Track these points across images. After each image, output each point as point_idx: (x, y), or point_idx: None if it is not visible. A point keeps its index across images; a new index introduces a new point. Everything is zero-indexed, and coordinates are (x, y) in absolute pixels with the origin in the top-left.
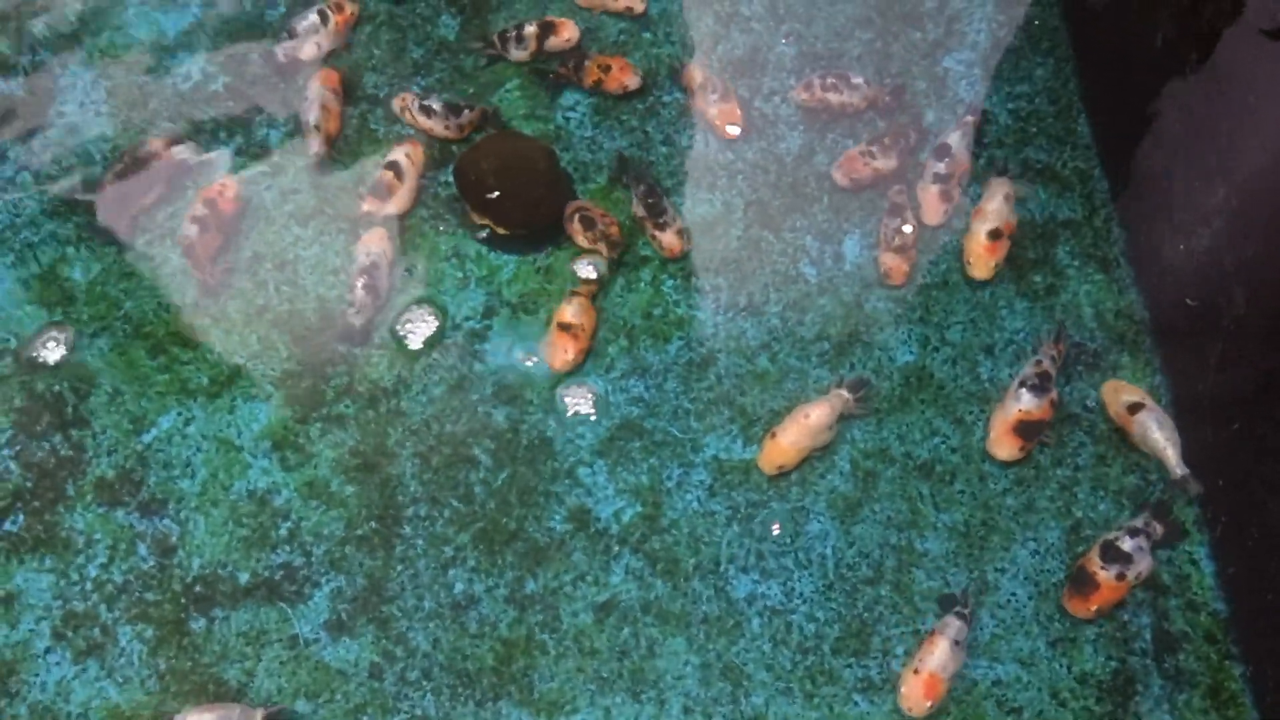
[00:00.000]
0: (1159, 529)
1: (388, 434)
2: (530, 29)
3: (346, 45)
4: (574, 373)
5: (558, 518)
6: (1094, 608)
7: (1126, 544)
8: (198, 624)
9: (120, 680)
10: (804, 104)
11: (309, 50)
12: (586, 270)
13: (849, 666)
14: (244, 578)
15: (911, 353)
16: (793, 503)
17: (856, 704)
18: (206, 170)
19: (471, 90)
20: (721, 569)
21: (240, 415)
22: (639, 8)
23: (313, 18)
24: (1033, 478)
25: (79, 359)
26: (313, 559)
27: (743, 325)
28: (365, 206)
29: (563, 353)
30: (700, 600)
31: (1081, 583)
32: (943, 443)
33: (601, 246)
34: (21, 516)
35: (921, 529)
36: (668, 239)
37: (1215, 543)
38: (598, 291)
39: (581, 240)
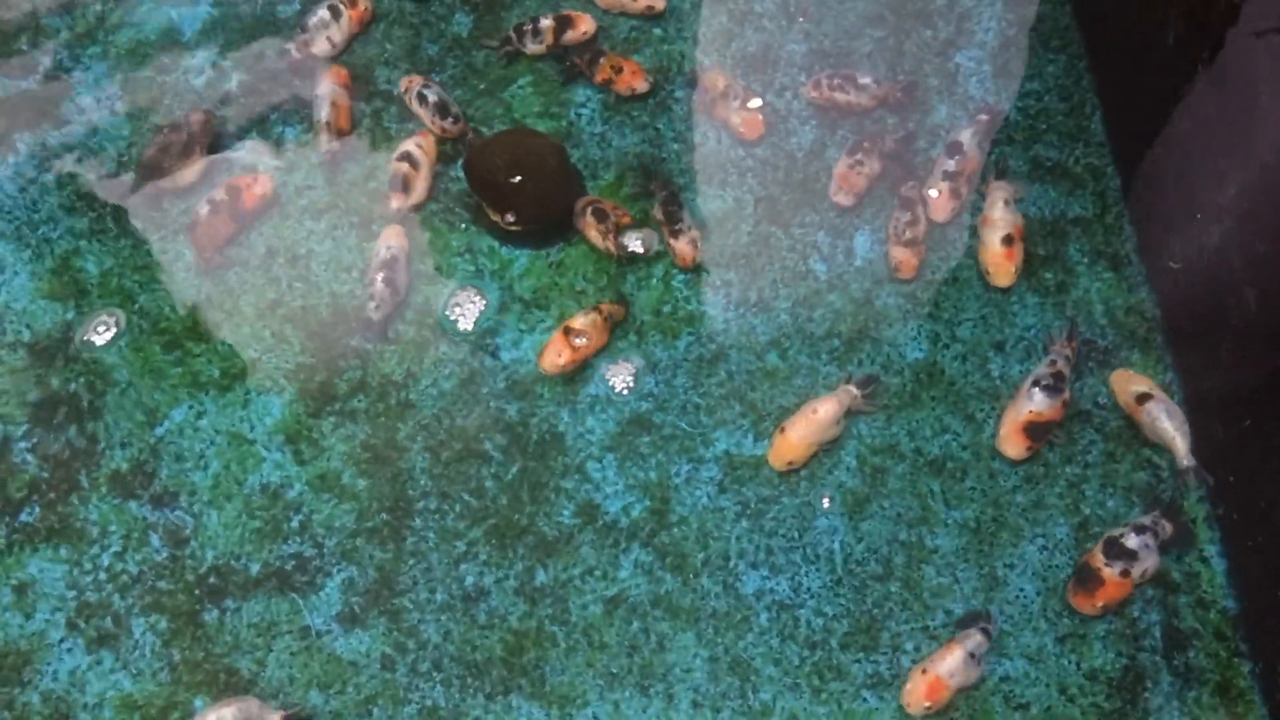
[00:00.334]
0: (1168, 528)
1: (399, 428)
2: (547, 23)
3: (357, 41)
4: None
5: (567, 512)
6: (1099, 604)
7: (1131, 541)
8: (210, 615)
9: (133, 670)
10: (814, 101)
11: (321, 45)
12: (635, 244)
13: (857, 662)
14: (256, 569)
15: (921, 349)
16: (802, 498)
17: (865, 700)
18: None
19: (482, 86)
20: (730, 564)
21: (253, 409)
22: (660, 6)
23: (323, 13)
24: (1042, 475)
25: (93, 352)
26: (324, 551)
27: (753, 321)
28: (394, 204)
29: (555, 356)
30: (709, 595)
31: (1086, 579)
32: (953, 439)
33: (613, 240)
34: (37, 508)
35: (931, 525)
36: (681, 246)
37: (1225, 540)
38: (623, 319)
39: (593, 234)
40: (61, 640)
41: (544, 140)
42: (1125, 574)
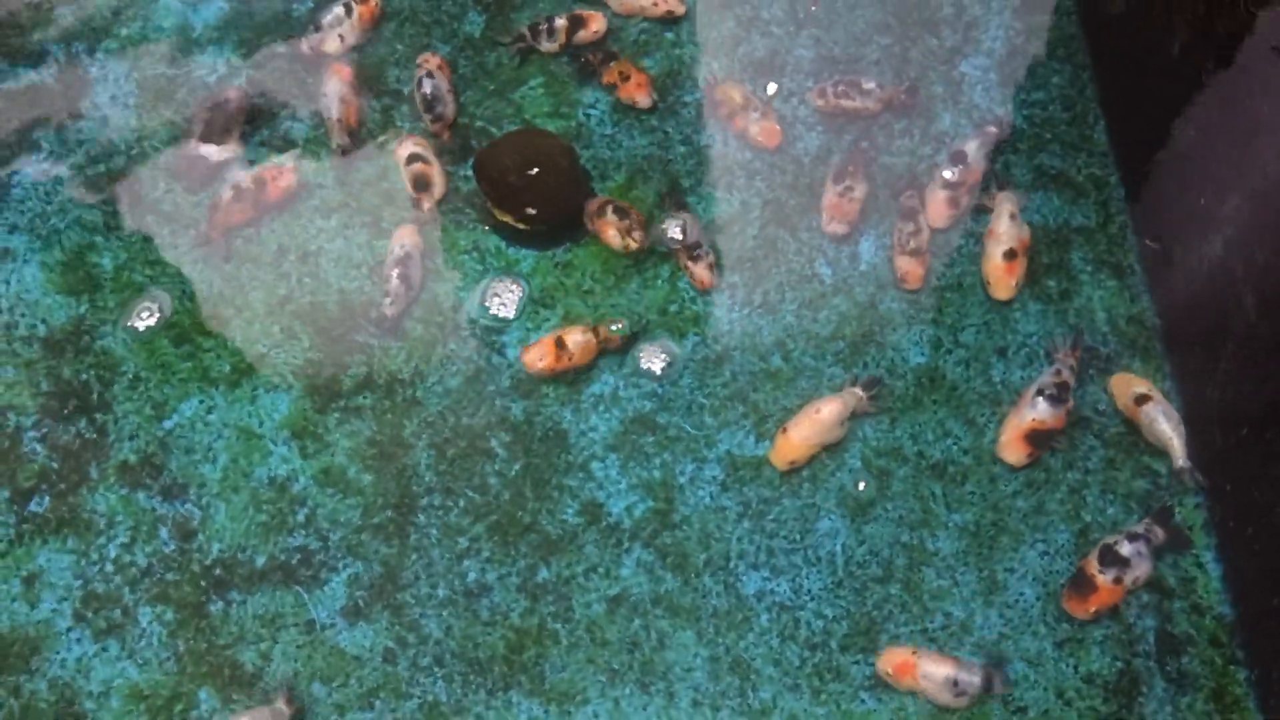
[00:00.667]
0: (1160, 534)
1: (404, 424)
2: (561, 22)
3: (368, 40)
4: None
5: (571, 510)
6: (1092, 609)
7: (1125, 549)
8: (216, 606)
9: (139, 660)
10: (820, 109)
11: (333, 43)
12: (675, 230)
13: (856, 663)
14: (262, 562)
15: (924, 354)
16: (804, 500)
17: (864, 701)
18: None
19: (493, 86)
20: (731, 565)
21: (261, 404)
22: (679, 10)
23: (337, 10)
24: (1043, 480)
25: (104, 345)
26: (329, 545)
27: (758, 323)
28: (425, 205)
29: (538, 358)
30: (710, 595)
31: (1080, 584)
32: (955, 443)
33: (633, 238)
34: (46, 498)
35: (932, 528)
36: (699, 271)
37: (1221, 546)
38: (618, 350)
39: (612, 231)
40: (69, 630)
41: (554, 141)
42: (1118, 581)
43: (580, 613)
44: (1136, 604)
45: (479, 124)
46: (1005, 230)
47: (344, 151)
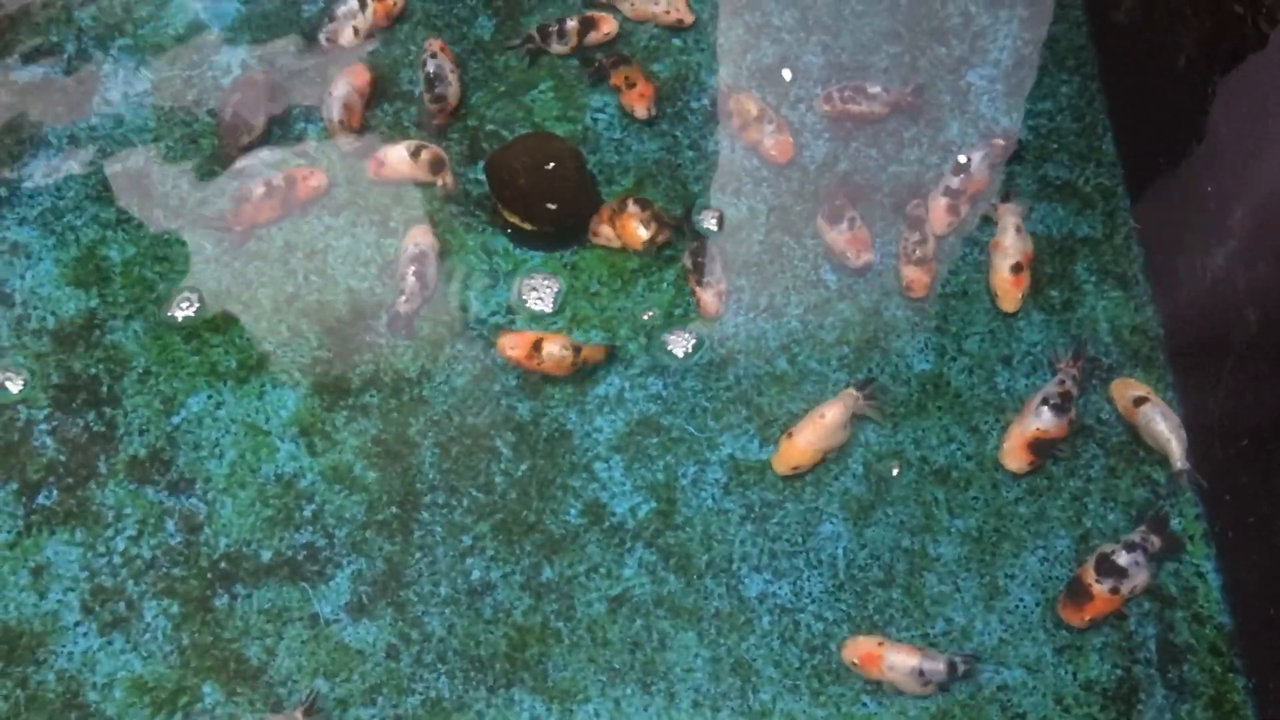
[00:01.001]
0: (1156, 542)
1: (410, 423)
2: (571, 24)
3: (381, 41)
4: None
5: (574, 510)
6: (1088, 618)
7: (1122, 558)
8: (221, 601)
9: (144, 653)
10: (827, 114)
11: (347, 35)
12: (711, 222)
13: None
14: (267, 557)
15: (929, 361)
16: (806, 503)
17: (864, 705)
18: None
19: (503, 89)
20: (734, 566)
21: (269, 400)
22: (688, 19)
23: (352, 2)
24: (1045, 487)
25: (114, 339)
26: (335, 541)
27: (763, 327)
28: (447, 179)
29: (510, 348)
30: (712, 596)
31: (1076, 592)
32: (958, 450)
33: (655, 228)
34: (54, 491)
35: (934, 533)
36: (707, 298)
37: (1221, 556)
38: (599, 361)
39: (636, 224)
40: (76, 623)
41: (563, 144)
42: (1115, 590)
43: (582, 612)
44: (1137, 612)
45: (489, 127)
46: (1011, 243)
47: (353, 151)
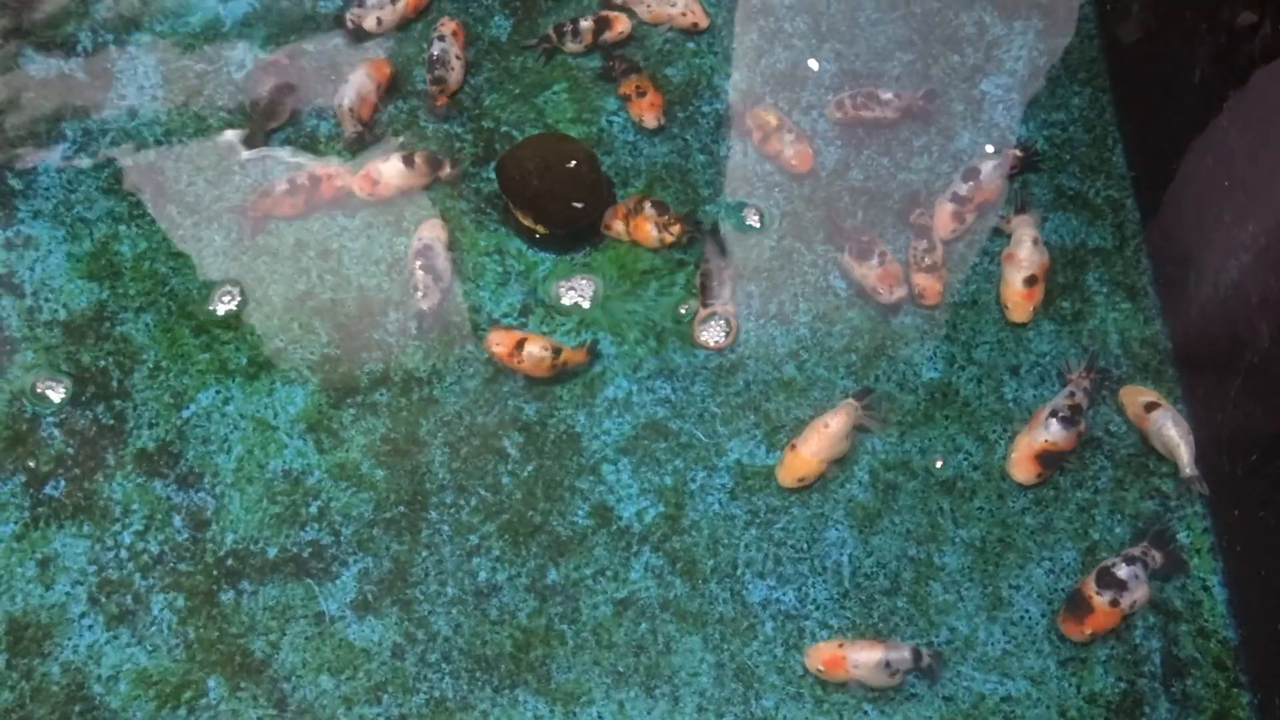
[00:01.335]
0: (1158, 558)
1: (419, 423)
2: (586, 23)
3: (397, 40)
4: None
5: (581, 513)
6: (1088, 631)
7: (1122, 571)
8: (227, 596)
9: (150, 647)
10: (839, 121)
11: (370, 21)
12: (754, 219)
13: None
14: (274, 553)
15: (937, 369)
16: (812, 510)
17: (866, 713)
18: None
19: (517, 90)
20: (739, 572)
21: (278, 397)
22: (703, 23)
23: None
24: (1052, 498)
25: (124, 331)
26: (341, 539)
27: (772, 333)
28: (448, 170)
29: (496, 344)
30: (717, 601)
31: (1076, 605)
32: (965, 459)
33: (670, 232)
34: (62, 483)
35: (940, 543)
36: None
37: (1228, 571)
38: (581, 364)
39: (650, 227)
40: (82, 615)
41: (576, 146)
42: (1115, 603)
43: (588, 614)
44: (1142, 625)
45: (503, 128)
46: (1027, 256)
47: (357, 140)
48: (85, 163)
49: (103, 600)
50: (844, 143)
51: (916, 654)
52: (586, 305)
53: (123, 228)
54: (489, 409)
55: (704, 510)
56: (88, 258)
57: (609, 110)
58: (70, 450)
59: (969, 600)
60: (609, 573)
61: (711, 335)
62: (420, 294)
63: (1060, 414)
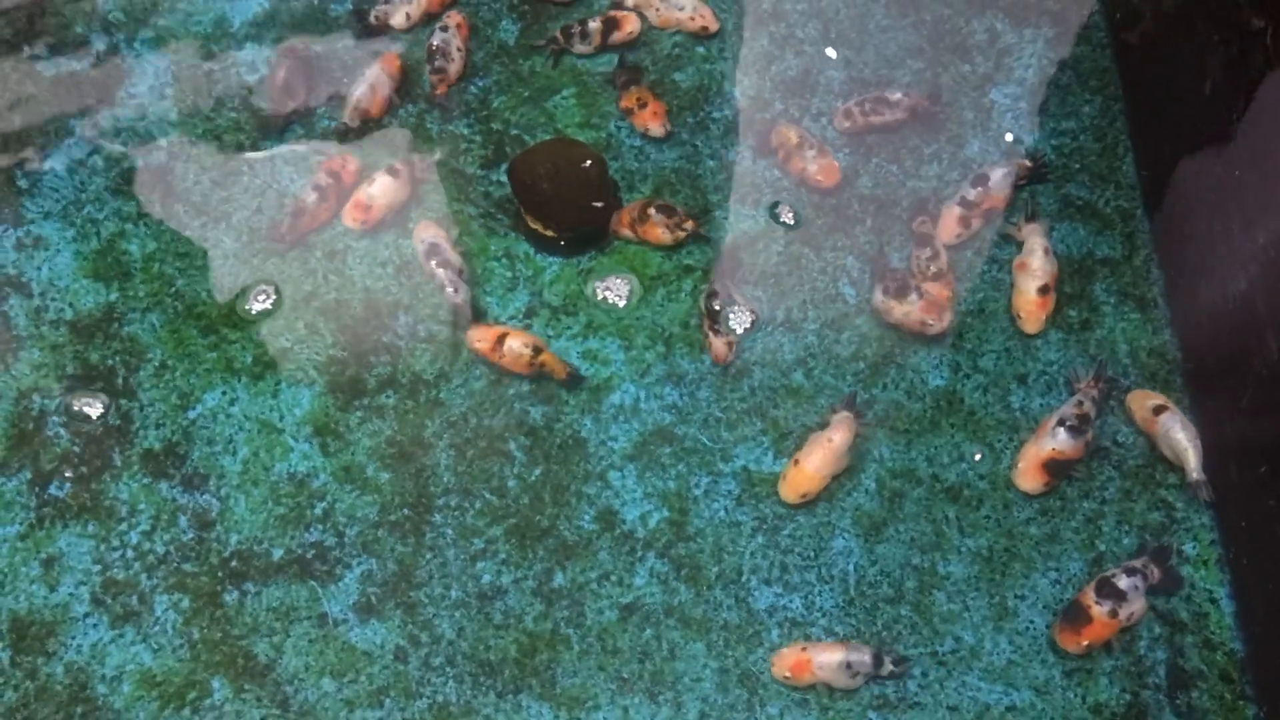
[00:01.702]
0: (1155, 573)
1: (426, 425)
2: (594, 24)
3: (407, 43)
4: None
5: (587, 517)
6: (1084, 642)
7: (1123, 582)
8: (231, 597)
9: (154, 647)
10: (847, 131)
11: (398, 19)
12: (788, 216)
13: (865, 683)
14: (278, 555)
15: (943, 377)
16: (818, 518)
17: None
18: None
19: (527, 94)
20: (744, 579)
21: (283, 399)
22: (713, 26)
23: None
24: (1058, 508)
25: (131, 331)
26: (345, 541)
27: (780, 340)
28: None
29: (477, 339)
30: (722, 608)
31: (1074, 616)
32: (970, 468)
33: (684, 229)
34: (68, 483)
35: (945, 552)
36: (718, 345)
37: (1235, 583)
38: (560, 377)
39: (660, 230)
40: (86, 615)
41: (585, 151)
42: (1113, 614)
43: (593, 619)
44: (1148, 636)
45: (513, 131)
46: (1039, 265)
47: (346, 132)
48: (95, 162)
49: (107, 600)
50: (852, 150)
51: (878, 658)
52: (622, 305)
53: (131, 228)
54: (495, 412)
55: (710, 516)
56: (96, 257)
57: (617, 115)
58: (76, 449)
59: (974, 610)
60: (614, 578)
61: (738, 322)
62: (451, 289)
63: (1068, 423)
